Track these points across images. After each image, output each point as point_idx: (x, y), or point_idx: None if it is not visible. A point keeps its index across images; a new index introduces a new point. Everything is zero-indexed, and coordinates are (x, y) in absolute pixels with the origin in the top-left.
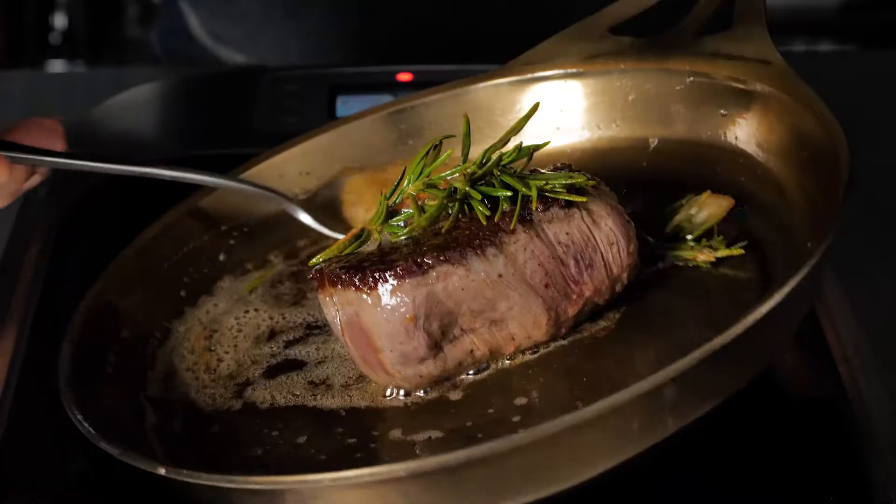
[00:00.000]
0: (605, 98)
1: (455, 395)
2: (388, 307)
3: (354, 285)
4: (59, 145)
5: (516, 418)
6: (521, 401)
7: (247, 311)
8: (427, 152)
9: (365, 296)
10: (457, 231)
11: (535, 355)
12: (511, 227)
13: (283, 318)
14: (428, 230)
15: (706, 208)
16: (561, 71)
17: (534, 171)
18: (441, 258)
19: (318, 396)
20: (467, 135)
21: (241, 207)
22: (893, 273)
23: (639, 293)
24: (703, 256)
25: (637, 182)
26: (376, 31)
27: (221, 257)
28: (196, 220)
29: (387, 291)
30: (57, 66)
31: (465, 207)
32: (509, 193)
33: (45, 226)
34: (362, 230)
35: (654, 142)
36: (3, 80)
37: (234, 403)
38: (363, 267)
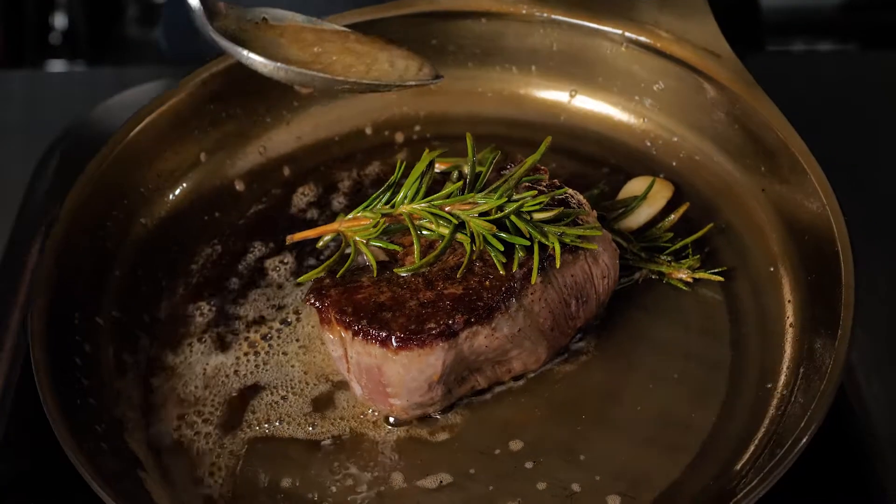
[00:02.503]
0: (526, 43)
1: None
2: (417, 369)
3: (380, 341)
4: None
5: (528, 464)
6: (517, 445)
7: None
8: (423, 172)
9: (392, 355)
10: (473, 278)
11: (522, 381)
12: (532, 281)
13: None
14: (434, 263)
15: (656, 202)
16: (482, 10)
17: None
18: (471, 320)
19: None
20: (473, 162)
21: None
22: (892, 274)
23: (615, 310)
24: (681, 275)
25: (559, 139)
26: None
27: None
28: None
29: (417, 355)
30: (57, 66)
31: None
32: (528, 243)
33: (45, 226)
34: (340, 238)
35: (573, 96)
36: (3, 80)
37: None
38: (384, 319)
